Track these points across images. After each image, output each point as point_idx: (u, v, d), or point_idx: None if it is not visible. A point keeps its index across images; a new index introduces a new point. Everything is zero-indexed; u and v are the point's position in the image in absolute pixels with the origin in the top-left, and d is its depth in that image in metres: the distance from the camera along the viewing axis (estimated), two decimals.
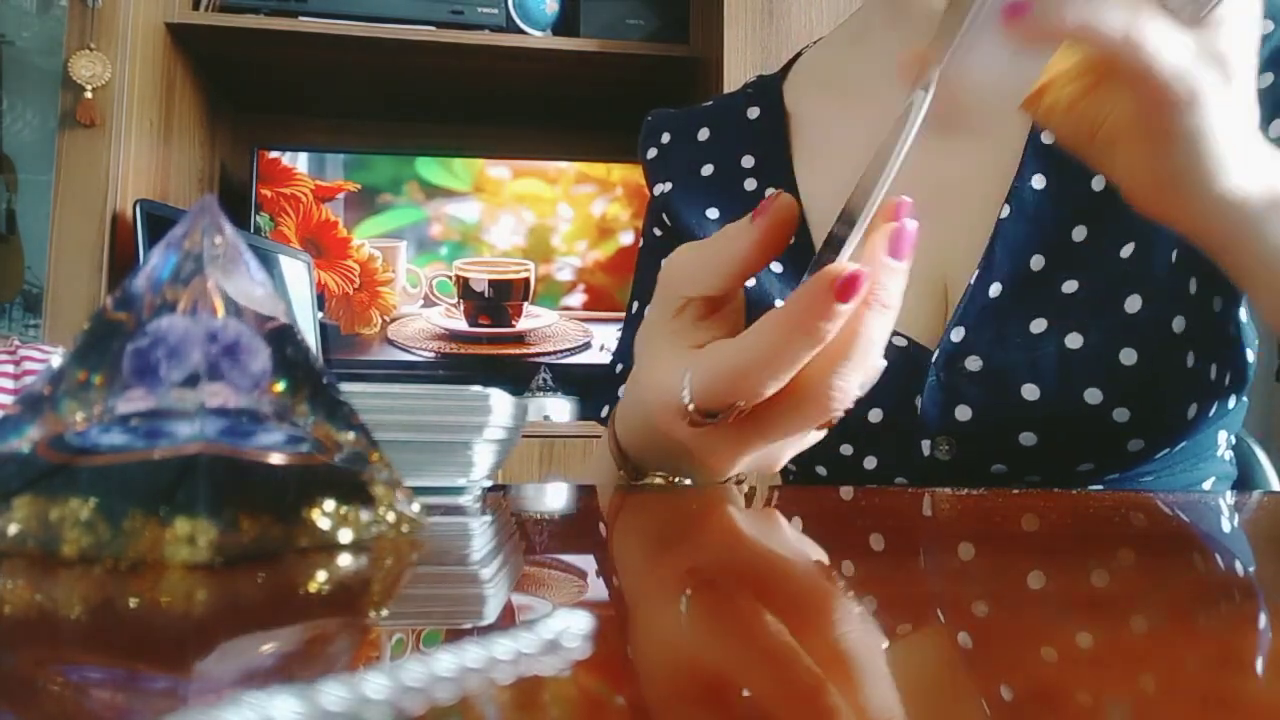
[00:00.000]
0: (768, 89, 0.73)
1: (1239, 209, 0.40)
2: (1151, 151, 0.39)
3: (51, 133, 1.87)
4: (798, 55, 0.76)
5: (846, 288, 0.32)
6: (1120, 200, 0.42)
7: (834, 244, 0.35)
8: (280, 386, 0.27)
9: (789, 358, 0.34)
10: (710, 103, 0.77)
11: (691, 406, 0.36)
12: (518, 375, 1.94)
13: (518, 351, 2.00)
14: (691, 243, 0.40)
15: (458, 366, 1.98)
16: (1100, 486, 0.60)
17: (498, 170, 2.02)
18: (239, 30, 1.77)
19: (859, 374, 0.35)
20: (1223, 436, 0.64)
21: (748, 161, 0.70)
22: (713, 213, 0.69)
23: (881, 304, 0.33)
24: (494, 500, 0.41)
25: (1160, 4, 0.35)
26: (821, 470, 0.65)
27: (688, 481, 0.49)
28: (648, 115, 0.78)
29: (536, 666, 0.15)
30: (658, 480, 0.48)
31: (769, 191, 0.39)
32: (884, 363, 0.36)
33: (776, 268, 0.66)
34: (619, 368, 0.73)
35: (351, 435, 0.28)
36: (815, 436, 0.39)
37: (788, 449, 0.39)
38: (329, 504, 0.26)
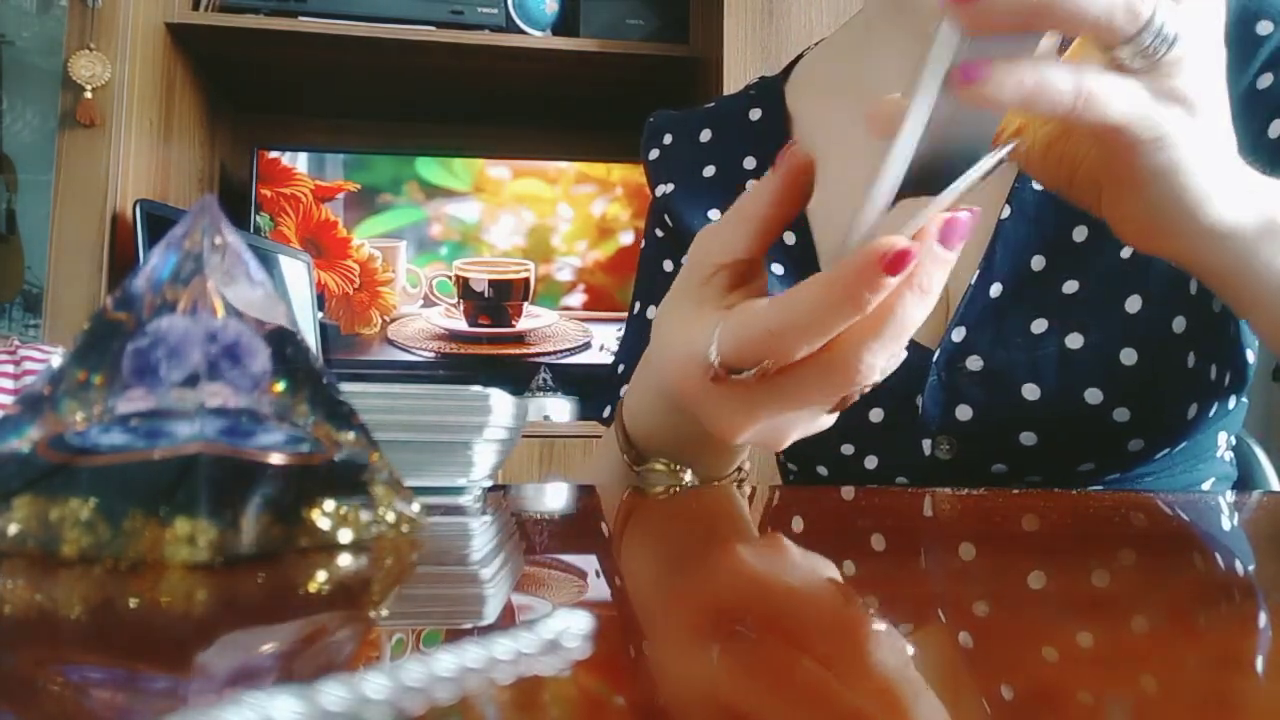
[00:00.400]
0: (769, 90, 0.73)
1: (1230, 239, 0.40)
2: (1131, 192, 0.39)
3: (51, 133, 1.87)
4: (799, 57, 0.76)
5: (897, 261, 0.32)
6: None
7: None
8: (280, 386, 0.27)
9: (827, 323, 0.34)
10: (712, 104, 0.77)
11: (718, 361, 0.36)
12: (518, 375, 1.94)
13: (518, 351, 2.00)
14: (716, 223, 0.40)
15: (458, 366, 1.98)
16: (1100, 487, 0.60)
17: (498, 170, 2.02)
18: (239, 30, 1.77)
19: (887, 354, 0.35)
20: (1223, 437, 0.64)
21: (749, 163, 0.70)
22: (714, 214, 0.69)
23: (922, 289, 0.33)
24: (494, 500, 0.41)
25: (1109, 61, 0.35)
26: (822, 470, 0.65)
27: (688, 476, 0.49)
28: (650, 117, 0.78)
29: (536, 666, 0.15)
30: (658, 467, 0.48)
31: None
32: (905, 353, 0.36)
33: (778, 269, 0.66)
34: (621, 368, 0.73)
35: (351, 435, 0.28)
36: (826, 421, 0.39)
37: (797, 426, 0.39)
38: (329, 504, 0.26)
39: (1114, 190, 0.40)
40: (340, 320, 1.96)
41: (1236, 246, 0.41)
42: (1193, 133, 0.37)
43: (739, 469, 0.51)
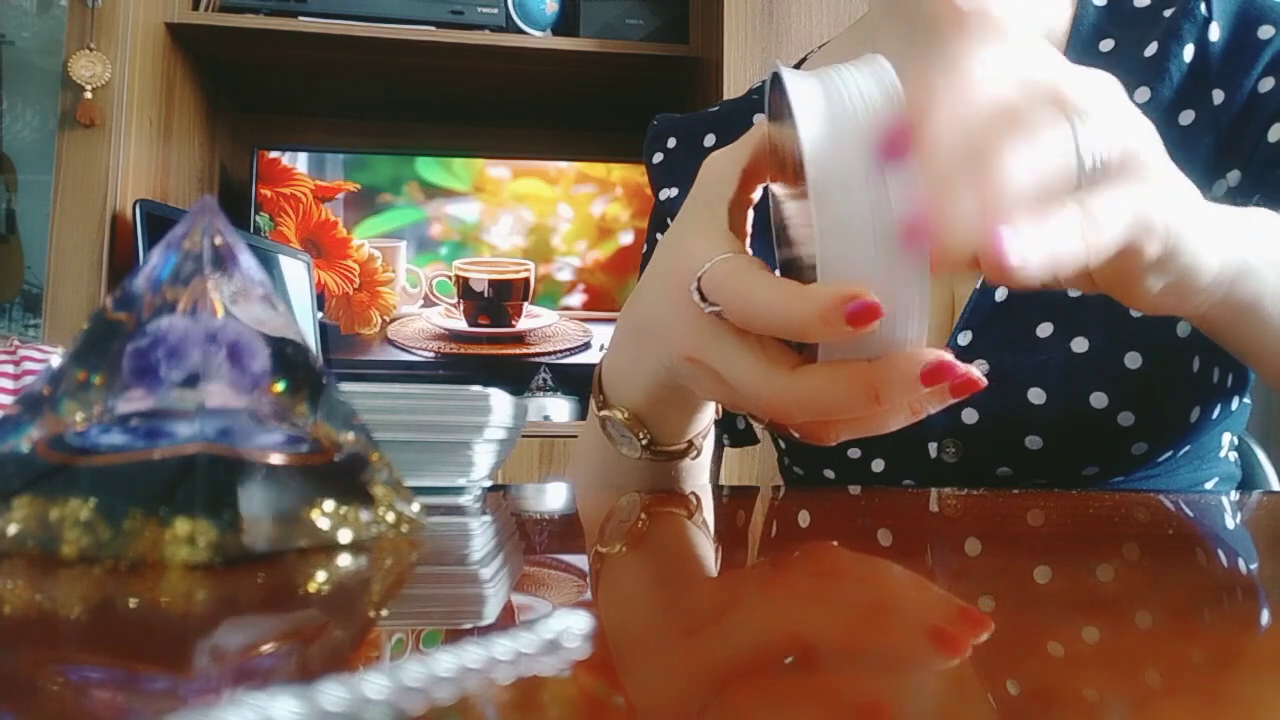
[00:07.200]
0: None
1: (1224, 284, 0.40)
2: (1139, 286, 0.38)
3: (51, 133, 1.87)
4: (803, 60, 0.76)
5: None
6: None
7: None
8: (280, 386, 0.27)
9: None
10: (716, 108, 0.77)
11: (697, 285, 0.37)
12: (518, 375, 1.94)
13: (518, 351, 2.00)
14: (724, 149, 0.42)
15: (458, 366, 1.98)
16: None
17: (498, 170, 2.02)
18: (239, 30, 1.77)
19: (853, 434, 0.36)
20: (1226, 438, 0.64)
21: None
22: None
23: (912, 411, 0.35)
24: (494, 500, 0.41)
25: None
26: (829, 473, 0.65)
27: (641, 434, 0.46)
28: (653, 119, 0.78)
29: (536, 666, 0.15)
30: (618, 415, 0.46)
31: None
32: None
33: None
34: None
35: (351, 435, 0.28)
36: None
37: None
38: (329, 504, 0.26)
39: (1121, 291, 0.38)
40: (340, 320, 1.96)
41: (1226, 291, 0.41)
42: (1171, 198, 0.35)
43: (690, 443, 0.49)
